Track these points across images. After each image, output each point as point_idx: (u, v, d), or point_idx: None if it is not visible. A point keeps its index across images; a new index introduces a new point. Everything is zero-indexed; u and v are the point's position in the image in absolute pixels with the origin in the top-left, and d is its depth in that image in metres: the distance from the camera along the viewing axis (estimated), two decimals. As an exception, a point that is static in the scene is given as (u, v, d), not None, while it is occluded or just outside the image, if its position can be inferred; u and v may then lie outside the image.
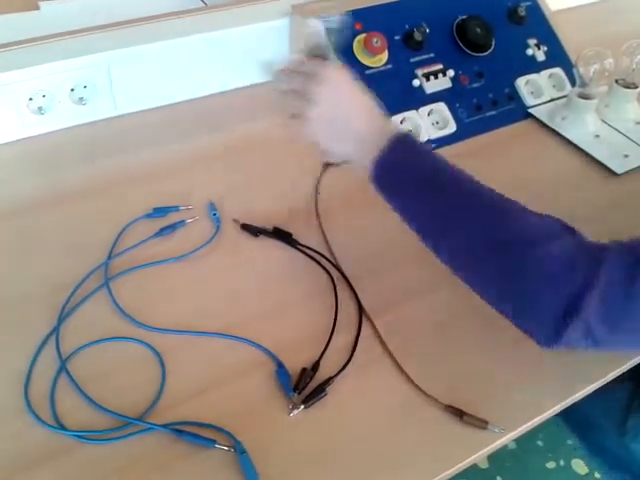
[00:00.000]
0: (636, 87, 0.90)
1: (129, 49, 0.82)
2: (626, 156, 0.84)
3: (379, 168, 0.59)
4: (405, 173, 0.59)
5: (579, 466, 1.28)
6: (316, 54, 0.64)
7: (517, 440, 1.29)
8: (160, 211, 0.72)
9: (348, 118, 0.62)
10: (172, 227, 0.70)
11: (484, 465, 1.25)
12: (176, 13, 0.87)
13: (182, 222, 0.71)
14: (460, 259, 0.56)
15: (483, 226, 0.54)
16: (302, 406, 0.55)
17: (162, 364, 0.58)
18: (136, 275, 0.66)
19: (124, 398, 0.55)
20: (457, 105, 0.88)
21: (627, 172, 0.82)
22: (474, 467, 1.24)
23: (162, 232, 0.70)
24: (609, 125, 0.89)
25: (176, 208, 0.73)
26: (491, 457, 1.26)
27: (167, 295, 0.65)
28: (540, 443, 1.30)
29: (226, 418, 0.54)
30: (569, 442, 1.29)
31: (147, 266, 0.66)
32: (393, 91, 0.86)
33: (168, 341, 0.60)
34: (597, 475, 1.26)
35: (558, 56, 0.93)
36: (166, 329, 0.61)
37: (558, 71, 0.94)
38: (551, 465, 1.27)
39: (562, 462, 1.28)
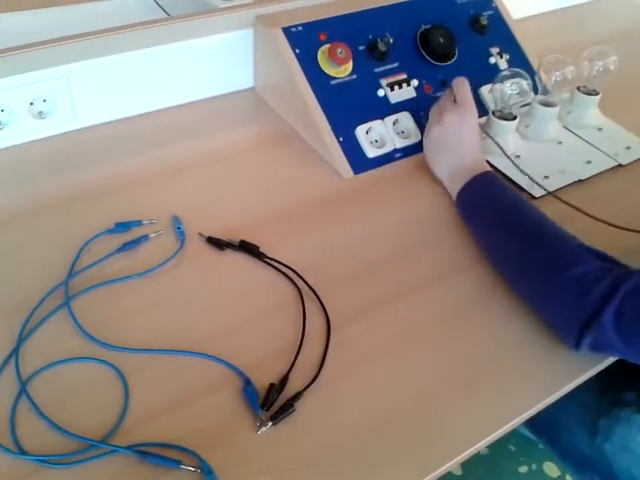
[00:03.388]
0: (597, 94, 0.91)
1: (90, 61, 0.81)
2: (588, 162, 0.85)
3: (461, 197, 0.75)
4: (479, 202, 0.74)
5: (551, 469, 1.29)
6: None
7: (489, 446, 1.29)
8: (122, 226, 0.70)
9: (456, 149, 0.78)
10: (135, 242, 0.69)
11: (458, 472, 1.25)
12: (139, 24, 0.85)
13: (145, 237, 0.69)
14: (511, 276, 0.68)
15: (530, 251, 0.66)
16: (270, 423, 0.54)
17: (125, 384, 0.57)
18: (98, 293, 0.64)
19: (87, 420, 0.54)
20: (422, 114, 0.88)
21: (590, 178, 0.83)
22: (448, 474, 1.24)
23: (125, 247, 0.68)
24: (571, 132, 0.90)
25: (139, 222, 0.71)
26: (464, 464, 1.25)
27: (130, 313, 0.63)
28: (512, 448, 1.30)
29: (192, 438, 0.53)
30: (540, 446, 1.30)
31: (109, 283, 0.65)
32: (358, 101, 0.86)
33: (132, 360, 0.59)
34: (569, 478, 1.27)
35: (520, 64, 0.94)
36: (129, 348, 0.59)
37: (521, 79, 0.94)
38: (523, 469, 1.28)
39: (534, 466, 1.29)
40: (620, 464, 0.80)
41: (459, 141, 0.78)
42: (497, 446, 1.29)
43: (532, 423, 0.90)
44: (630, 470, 0.79)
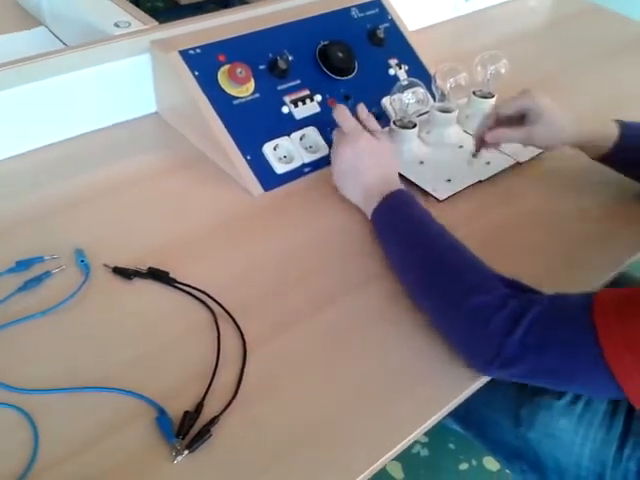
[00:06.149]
0: (492, 96, 0.95)
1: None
2: (488, 163, 0.88)
3: (375, 218, 0.75)
4: (390, 222, 0.74)
5: (491, 463, 1.32)
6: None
7: (429, 446, 1.31)
8: (23, 264, 0.68)
9: (363, 170, 0.77)
10: (37, 279, 0.66)
11: (399, 475, 1.26)
12: (34, 57, 0.83)
13: (47, 273, 0.67)
14: (419, 299, 0.68)
15: (436, 276, 0.66)
16: (186, 451, 0.54)
17: (34, 426, 0.55)
18: (1, 335, 0.62)
19: (-6, 468, 0.52)
20: (328, 128, 0.90)
21: (491, 177, 0.86)
22: (389, 478, 1.25)
23: (27, 286, 0.66)
24: (471, 135, 0.93)
25: (40, 259, 0.69)
26: (405, 467, 1.27)
27: (36, 353, 0.61)
28: (452, 446, 1.33)
29: (106, 475, 0.52)
30: (477, 441, 1.33)
31: (12, 324, 0.63)
32: (263, 119, 0.87)
33: (40, 402, 0.57)
34: (508, 470, 1.30)
35: (419, 74, 0.96)
36: (36, 389, 0.57)
37: (418, 88, 0.97)
38: (464, 466, 1.30)
39: (474, 462, 1.31)
40: (545, 450, 0.82)
41: (363, 162, 0.78)
42: (437, 446, 1.31)
43: (461, 419, 0.92)
44: (554, 455, 0.81)
